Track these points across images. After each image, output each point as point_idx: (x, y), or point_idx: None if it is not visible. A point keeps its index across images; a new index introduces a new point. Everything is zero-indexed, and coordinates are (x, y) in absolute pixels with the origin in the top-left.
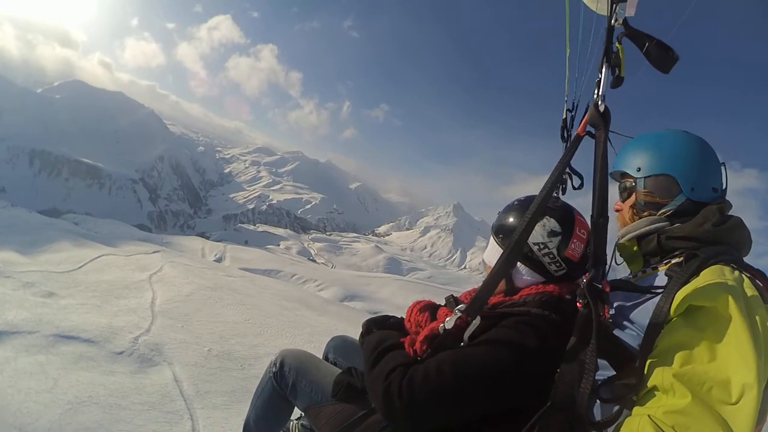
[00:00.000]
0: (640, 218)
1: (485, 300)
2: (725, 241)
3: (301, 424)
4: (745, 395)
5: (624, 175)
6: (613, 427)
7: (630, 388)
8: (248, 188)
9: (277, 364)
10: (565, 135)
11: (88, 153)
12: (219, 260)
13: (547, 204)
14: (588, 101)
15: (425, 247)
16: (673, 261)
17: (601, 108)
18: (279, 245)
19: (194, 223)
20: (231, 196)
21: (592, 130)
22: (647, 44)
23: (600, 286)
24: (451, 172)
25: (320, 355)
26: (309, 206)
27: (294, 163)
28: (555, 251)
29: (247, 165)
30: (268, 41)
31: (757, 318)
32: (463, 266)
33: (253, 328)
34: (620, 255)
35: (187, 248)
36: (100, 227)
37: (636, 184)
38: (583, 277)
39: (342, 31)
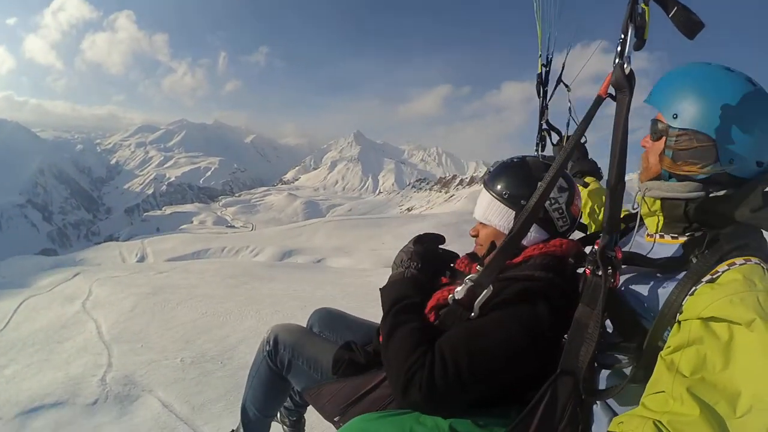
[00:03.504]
0: (676, 176)
1: (499, 269)
2: (761, 227)
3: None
4: (754, 412)
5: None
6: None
7: (628, 351)
8: (141, 173)
9: (271, 342)
10: (541, 91)
11: None
12: (142, 259)
13: (565, 168)
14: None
15: (337, 182)
16: (696, 234)
17: (627, 70)
18: (192, 222)
19: (97, 228)
20: (126, 186)
21: (613, 92)
22: (675, 9)
23: (612, 253)
24: (345, 102)
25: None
26: (209, 173)
27: (180, 133)
28: (564, 206)
29: (132, 149)
30: (122, 7)
31: None
32: (377, 191)
33: (214, 319)
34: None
35: (104, 258)
36: (4, 270)
37: (668, 132)
38: (594, 243)
39: None
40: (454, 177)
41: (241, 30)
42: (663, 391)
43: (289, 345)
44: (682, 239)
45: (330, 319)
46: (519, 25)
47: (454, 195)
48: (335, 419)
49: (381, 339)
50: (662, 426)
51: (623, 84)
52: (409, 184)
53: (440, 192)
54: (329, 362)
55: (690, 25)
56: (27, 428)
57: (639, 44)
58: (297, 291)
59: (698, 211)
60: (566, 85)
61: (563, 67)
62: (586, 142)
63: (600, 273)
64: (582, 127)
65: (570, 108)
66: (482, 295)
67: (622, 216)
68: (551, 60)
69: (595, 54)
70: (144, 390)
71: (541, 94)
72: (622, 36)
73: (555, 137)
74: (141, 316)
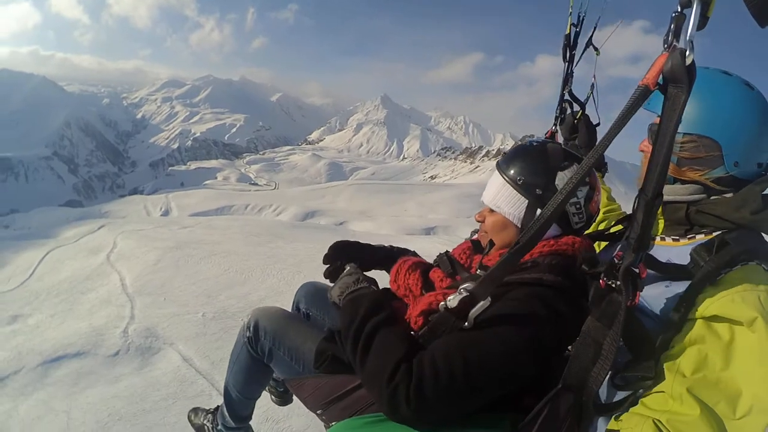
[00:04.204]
0: (680, 180)
1: (501, 281)
2: (761, 230)
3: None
4: (754, 413)
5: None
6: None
7: (646, 380)
8: (167, 128)
9: (251, 328)
10: (567, 54)
11: None
12: (166, 213)
13: (592, 170)
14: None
15: (361, 145)
16: (698, 237)
17: (688, 59)
18: (216, 178)
19: (122, 180)
20: (151, 141)
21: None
22: None
23: (637, 270)
24: (373, 63)
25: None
26: (234, 129)
27: (207, 88)
28: (582, 202)
29: (158, 104)
30: None
31: None
32: (401, 157)
33: (236, 276)
34: None
35: (129, 211)
36: (31, 221)
37: None
38: (615, 256)
39: None
40: (480, 148)
41: None
42: (663, 391)
43: (270, 332)
44: (684, 242)
45: (316, 295)
46: None
47: (479, 166)
48: (317, 412)
49: (356, 356)
50: (661, 425)
51: (681, 76)
52: (434, 152)
53: (465, 162)
54: (311, 353)
55: (766, 10)
56: (49, 377)
57: (702, 23)
58: (319, 253)
59: (700, 213)
60: (595, 48)
61: (595, 28)
62: (599, 125)
63: (617, 287)
64: (619, 125)
65: (593, 78)
66: (479, 306)
67: (619, 218)
68: (583, 19)
69: (633, 33)
70: (165, 343)
71: (567, 59)
72: (678, 9)
73: (576, 108)
74: (164, 269)
